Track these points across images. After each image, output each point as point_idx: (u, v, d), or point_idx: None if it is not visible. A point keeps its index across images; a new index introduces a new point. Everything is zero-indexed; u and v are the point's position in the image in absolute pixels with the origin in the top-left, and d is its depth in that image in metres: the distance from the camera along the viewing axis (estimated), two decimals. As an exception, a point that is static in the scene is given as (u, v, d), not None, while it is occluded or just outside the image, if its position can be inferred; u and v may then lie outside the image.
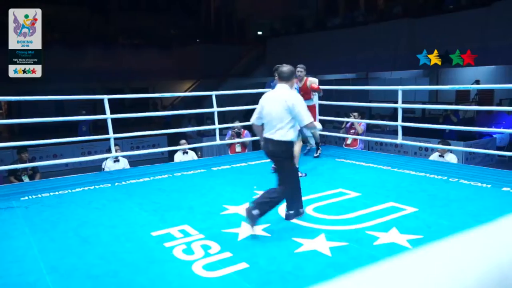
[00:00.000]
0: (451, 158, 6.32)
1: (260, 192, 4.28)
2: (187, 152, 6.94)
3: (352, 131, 7.39)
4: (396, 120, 5.99)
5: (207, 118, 12.92)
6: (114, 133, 5.51)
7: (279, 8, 19.71)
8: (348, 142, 7.41)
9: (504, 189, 4.21)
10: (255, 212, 3.14)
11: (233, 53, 19.36)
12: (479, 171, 5.16)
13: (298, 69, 5.62)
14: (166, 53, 18.85)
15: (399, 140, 5.99)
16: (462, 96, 13.54)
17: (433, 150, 6.81)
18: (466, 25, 11.90)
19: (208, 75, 18.33)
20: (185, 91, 19.33)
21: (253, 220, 3.14)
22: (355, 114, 7.32)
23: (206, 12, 23.08)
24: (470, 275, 0.33)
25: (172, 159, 7.08)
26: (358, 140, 7.39)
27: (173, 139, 9.11)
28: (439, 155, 6.35)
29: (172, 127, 7.13)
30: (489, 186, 4.34)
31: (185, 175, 5.30)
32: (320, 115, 6.80)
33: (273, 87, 6.69)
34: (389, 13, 15.44)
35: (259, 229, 3.30)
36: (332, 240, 3.06)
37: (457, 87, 11.03)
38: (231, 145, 7.35)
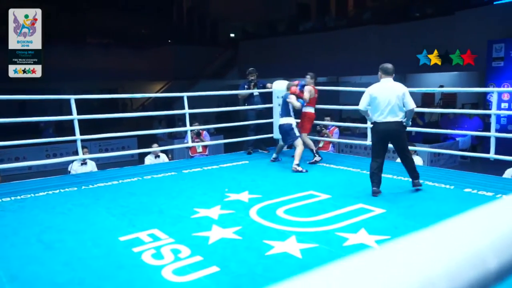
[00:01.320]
0: (417, 160, 6.50)
1: (232, 195, 4.31)
2: (158, 156, 6.81)
3: (325, 135, 7.48)
4: (366, 123, 6.11)
5: (179, 120, 12.79)
6: (81, 134, 5.36)
7: (252, 11, 19.78)
8: (320, 145, 7.49)
9: (466, 190, 4.37)
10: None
11: (205, 55, 19.26)
12: (443, 173, 5.35)
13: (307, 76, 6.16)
14: (137, 53, 18.54)
15: (368, 142, 6.10)
16: (427, 100, 13.98)
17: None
18: (431, 33, 12.31)
19: (180, 76, 18.15)
20: (156, 92, 19.08)
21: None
22: (328, 118, 7.42)
23: (178, 13, 22.87)
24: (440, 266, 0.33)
25: (142, 162, 6.94)
26: (330, 144, 7.50)
27: (143, 141, 8.95)
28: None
29: (142, 128, 7.00)
30: (452, 187, 4.49)
31: (155, 178, 5.22)
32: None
33: (241, 89, 6.77)
34: (359, 19, 15.78)
35: (230, 232, 3.29)
36: (302, 242, 3.08)
37: (423, 90, 11.38)
38: (191, 146, 7.32)
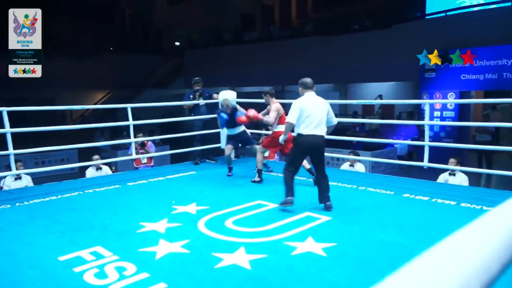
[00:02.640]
0: (360, 167, 6.78)
1: (180, 207, 4.22)
2: (100, 168, 6.51)
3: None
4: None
5: (123, 130, 12.36)
6: (14, 148, 5.00)
7: (197, 20, 19.70)
8: (266, 154, 7.56)
9: (405, 195, 4.62)
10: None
11: (149, 64, 18.87)
12: (383, 179, 5.61)
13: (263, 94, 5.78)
14: (76, 61, 17.73)
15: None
16: (368, 110, 14.67)
17: (343, 160, 7.26)
18: (370, 44, 12.96)
19: (123, 85, 17.61)
20: (98, 101, 18.36)
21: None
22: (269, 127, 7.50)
23: (120, 20, 22.25)
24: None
25: (83, 175, 6.60)
26: (275, 153, 7.59)
27: (84, 153, 8.53)
28: (349, 165, 6.78)
29: (83, 140, 6.67)
30: (392, 193, 4.72)
31: (97, 192, 4.99)
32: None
33: (186, 99, 6.68)
34: (302, 30, 16.28)
35: (178, 246, 3.22)
36: (251, 253, 3.08)
37: (363, 102, 11.92)
38: (136, 158, 7.14)
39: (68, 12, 19.32)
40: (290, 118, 4.16)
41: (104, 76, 17.69)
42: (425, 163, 5.31)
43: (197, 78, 6.82)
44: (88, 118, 17.12)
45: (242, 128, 5.91)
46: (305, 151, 4.21)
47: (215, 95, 6.83)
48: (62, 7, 19.17)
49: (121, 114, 7.59)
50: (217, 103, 6.81)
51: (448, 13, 11.41)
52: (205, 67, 16.25)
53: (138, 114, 8.83)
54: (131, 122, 5.98)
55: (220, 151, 7.09)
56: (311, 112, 4.08)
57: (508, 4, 10.56)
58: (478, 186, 6.70)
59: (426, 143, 5.43)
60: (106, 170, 6.57)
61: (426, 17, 12.04)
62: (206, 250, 3.15)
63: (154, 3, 22.13)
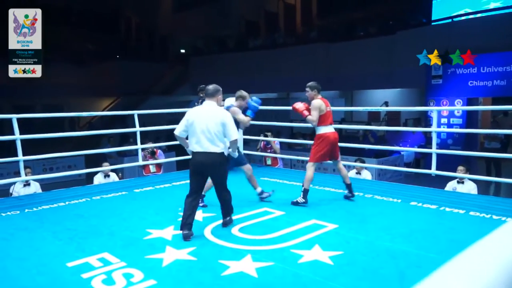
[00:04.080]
0: (366, 174, 6.76)
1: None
2: (108, 175, 6.52)
3: (269, 150, 7.55)
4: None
5: (129, 137, 12.42)
6: (24, 154, 5.05)
7: (202, 28, 19.85)
8: (269, 162, 7.57)
9: (412, 203, 4.59)
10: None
11: (155, 71, 19.00)
12: (390, 187, 5.59)
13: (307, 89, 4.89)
14: (83, 68, 17.90)
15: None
16: (373, 116, 14.64)
17: (350, 167, 7.24)
18: (375, 51, 12.98)
19: (129, 92, 17.73)
20: (104, 108, 18.49)
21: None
22: (269, 133, 7.50)
23: (126, 28, 22.45)
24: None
25: (90, 182, 6.64)
26: (278, 159, 7.59)
27: (91, 160, 8.59)
28: (356, 172, 6.76)
29: (90, 146, 6.73)
30: (399, 201, 4.70)
31: (104, 199, 5.01)
32: (244, 134, 6.89)
33: (192, 106, 6.65)
34: (307, 37, 16.33)
35: (184, 253, 3.22)
36: (258, 260, 3.08)
37: (369, 108, 11.90)
38: (145, 166, 7.17)
39: (74, 20, 19.55)
40: (176, 128, 3.83)
41: (110, 83, 17.84)
42: (433, 170, 5.28)
43: (203, 85, 6.83)
44: (95, 125, 17.23)
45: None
46: (195, 172, 3.71)
47: (222, 103, 6.85)
48: (69, 15, 19.42)
49: (129, 121, 7.64)
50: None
51: (454, 19, 11.41)
52: (210, 74, 16.34)
53: (144, 121, 8.89)
54: (138, 129, 6.02)
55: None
56: (198, 125, 3.61)
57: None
58: (487, 195, 6.66)
59: (434, 150, 5.41)
60: (113, 178, 6.61)
61: (432, 23, 12.03)
62: (212, 258, 3.15)
63: (159, 11, 22.33)
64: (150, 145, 6.88)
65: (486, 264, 0.36)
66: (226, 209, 3.91)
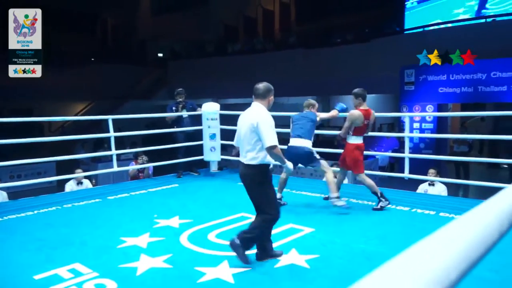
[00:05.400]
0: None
1: (162, 221, 4.16)
2: (81, 183, 6.35)
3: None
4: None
5: (105, 142, 12.18)
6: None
7: (180, 31, 19.73)
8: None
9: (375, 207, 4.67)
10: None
11: (132, 74, 18.71)
12: (365, 190, 5.64)
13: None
14: (55, 71, 17.42)
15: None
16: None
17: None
18: (351, 57, 13.19)
19: (105, 96, 17.40)
20: (78, 113, 18.09)
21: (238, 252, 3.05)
22: None
23: (102, 31, 22.10)
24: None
25: (62, 189, 6.44)
26: None
27: (63, 166, 8.35)
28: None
29: (62, 152, 6.54)
30: (373, 203, 4.77)
31: (76, 207, 4.88)
32: (222, 139, 6.87)
33: (169, 110, 6.60)
34: (285, 42, 16.46)
35: (160, 261, 3.17)
36: (235, 266, 3.06)
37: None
38: (132, 177, 7.05)
39: (49, 21, 19.08)
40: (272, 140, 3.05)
41: (85, 87, 17.44)
42: (406, 174, 5.40)
43: (180, 89, 6.79)
44: (68, 130, 16.81)
45: (304, 143, 4.69)
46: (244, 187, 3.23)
47: (199, 109, 6.82)
48: (43, 16, 18.94)
49: (104, 126, 7.47)
50: (201, 115, 6.80)
51: (426, 29, 11.74)
52: (188, 79, 16.25)
53: (121, 125, 8.72)
54: (112, 134, 5.90)
55: (203, 164, 7.06)
56: (239, 131, 3.24)
57: (483, 20, 10.93)
58: (457, 196, 6.84)
59: (406, 154, 5.53)
60: (86, 184, 6.45)
61: (405, 32, 12.34)
62: (189, 265, 3.11)
63: (138, 14, 22.09)
64: (125, 150, 6.76)
65: (425, 263, 0.36)
66: (249, 229, 3.12)
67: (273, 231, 3.80)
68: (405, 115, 6.63)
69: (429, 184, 5.79)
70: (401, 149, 10.43)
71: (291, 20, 18.18)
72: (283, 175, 4.76)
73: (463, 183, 7.62)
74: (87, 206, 4.90)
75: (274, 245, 3.48)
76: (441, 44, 10.72)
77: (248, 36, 18.56)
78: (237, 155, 7.46)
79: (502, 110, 9.57)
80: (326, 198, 4.85)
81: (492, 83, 10.11)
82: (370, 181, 4.58)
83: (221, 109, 6.94)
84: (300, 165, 4.70)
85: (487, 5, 10.89)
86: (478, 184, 5.47)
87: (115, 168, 6.07)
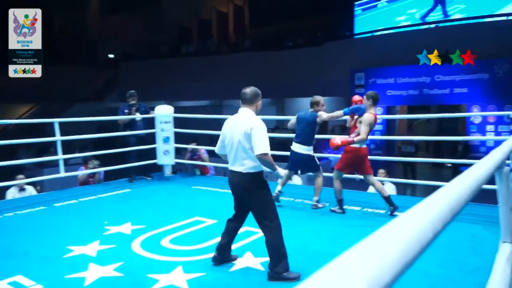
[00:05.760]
0: (297, 180, 6.93)
1: (113, 228, 4.01)
2: (24, 189, 5.98)
3: (200, 159, 7.45)
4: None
5: (51, 146, 11.57)
6: None
7: (132, 32, 19.25)
8: (198, 173, 7.45)
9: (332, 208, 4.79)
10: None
11: (81, 76, 17.99)
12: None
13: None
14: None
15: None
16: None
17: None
18: (304, 60, 13.47)
19: (50, 98, 16.59)
20: (22, 115, 17.12)
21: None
22: (194, 143, 7.36)
23: (48, 30, 21.07)
24: None
25: (2, 197, 6.04)
26: (208, 167, 7.51)
27: (3, 172, 7.83)
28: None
29: (3, 157, 6.14)
30: (327, 204, 4.87)
31: (19, 215, 4.59)
32: (175, 142, 6.75)
33: (120, 113, 6.37)
34: (239, 45, 16.53)
35: (110, 270, 3.04)
36: (189, 272, 3.00)
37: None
38: (81, 183, 6.74)
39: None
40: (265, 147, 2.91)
41: (28, 88, 16.52)
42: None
43: (132, 91, 6.60)
44: (10, 134, 15.85)
45: (306, 151, 4.74)
46: (233, 195, 3.19)
47: (152, 112, 6.66)
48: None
49: (51, 129, 7.11)
50: (154, 118, 6.64)
51: (374, 34, 12.22)
52: (141, 80, 15.85)
53: (68, 129, 8.32)
54: (58, 138, 5.63)
55: (156, 167, 6.89)
56: (227, 138, 3.05)
57: (428, 26, 11.55)
58: (405, 195, 7.15)
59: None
60: (30, 191, 6.09)
61: (355, 37, 12.78)
62: (141, 272, 3.01)
63: (87, 14, 21.29)
64: (79, 154, 6.45)
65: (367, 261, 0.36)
66: (271, 257, 2.94)
67: (228, 234, 3.80)
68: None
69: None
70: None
71: (245, 23, 18.29)
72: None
73: (410, 183, 7.99)
74: (30, 214, 4.63)
75: (229, 248, 3.46)
76: (388, 49, 11.24)
77: (202, 38, 18.45)
78: (191, 158, 7.42)
79: (445, 112, 10.19)
80: (315, 206, 4.78)
81: (435, 86, 10.71)
82: (380, 185, 4.56)
83: (175, 112, 6.82)
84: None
85: (448, 9, 11.34)
86: (423, 183, 5.74)
87: (62, 174, 5.78)
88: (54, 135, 5.67)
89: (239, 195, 3.08)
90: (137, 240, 3.70)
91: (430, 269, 2.98)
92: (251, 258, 3.25)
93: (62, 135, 5.70)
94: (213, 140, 12.65)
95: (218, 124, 12.40)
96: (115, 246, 3.56)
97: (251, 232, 3.88)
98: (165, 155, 6.67)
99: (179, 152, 7.31)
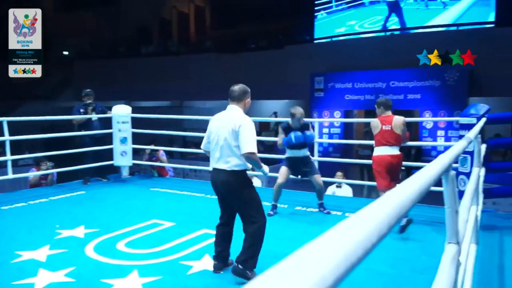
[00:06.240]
0: (257, 182, 6.97)
1: (65, 231, 3.85)
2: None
3: (159, 161, 7.32)
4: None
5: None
6: None
7: (88, 30, 18.61)
8: (156, 175, 7.33)
9: (297, 208, 4.87)
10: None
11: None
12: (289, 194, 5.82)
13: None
14: None
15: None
16: (264, 126, 15.25)
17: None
18: (266, 63, 13.59)
19: (0, 97, 15.73)
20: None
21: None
22: (152, 145, 7.26)
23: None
24: None
25: None
26: (167, 169, 7.40)
27: None
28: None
29: None
30: (286, 206, 4.93)
31: (-38, 219, 4.32)
32: (133, 143, 6.59)
33: (75, 112, 6.13)
34: (200, 46, 16.42)
35: (61, 275, 2.92)
36: (145, 275, 2.94)
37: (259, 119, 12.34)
38: (32, 185, 6.42)
39: None
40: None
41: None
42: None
43: (88, 90, 6.37)
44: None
45: (307, 151, 4.71)
46: (216, 194, 3.12)
47: (109, 112, 6.46)
48: None
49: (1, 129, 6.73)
50: (111, 117, 6.45)
51: (333, 39, 12.53)
52: (97, 80, 15.35)
53: (18, 129, 7.90)
54: (7, 137, 5.34)
55: (113, 169, 6.70)
56: (214, 135, 3.00)
57: (382, 34, 11.99)
58: (361, 197, 7.37)
59: (316, 158, 5.80)
60: (-26, 193, 5.73)
61: (315, 41, 13.05)
62: (94, 277, 2.91)
63: (43, 10, 20.36)
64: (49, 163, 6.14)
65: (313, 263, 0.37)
66: (244, 250, 2.94)
67: (186, 237, 3.76)
68: (314, 121, 6.99)
69: (337, 186, 6.15)
70: (312, 153, 10.99)
71: (206, 24, 18.19)
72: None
73: (367, 184, 8.24)
74: (-26, 219, 4.36)
75: (186, 251, 3.42)
76: (347, 55, 11.56)
77: (162, 38, 18.16)
78: (149, 160, 7.26)
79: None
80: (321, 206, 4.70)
81: (391, 92, 11.13)
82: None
83: (133, 112, 6.66)
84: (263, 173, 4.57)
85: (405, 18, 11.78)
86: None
87: (10, 175, 5.48)
88: (2, 135, 5.38)
89: (223, 194, 3.01)
90: (91, 244, 3.57)
91: (383, 269, 3.09)
92: (209, 261, 3.22)
93: (11, 135, 5.42)
94: (172, 141, 12.48)
95: (177, 125, 12.30)
96: (66, 250, 3.42)
97: (210, 234, 3.85)
98: (122, 156, 6.50)
99: (137, 153, 7.15)
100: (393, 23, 11.87)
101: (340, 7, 12.61)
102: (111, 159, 6.49)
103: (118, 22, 18.66)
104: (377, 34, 12.08)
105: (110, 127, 6.44)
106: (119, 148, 6.47)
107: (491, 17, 10.77)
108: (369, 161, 7.00)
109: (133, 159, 6.71)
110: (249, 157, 2.87)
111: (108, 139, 6.45)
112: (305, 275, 0.36)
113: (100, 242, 3.63)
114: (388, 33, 11.96)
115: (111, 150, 6.47)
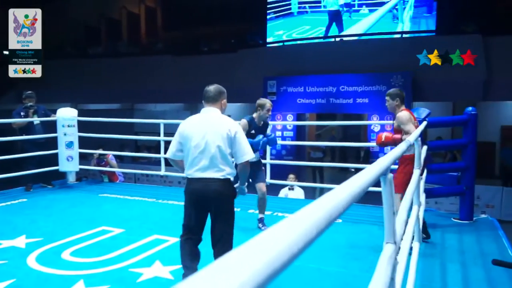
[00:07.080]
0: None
1: (4, 242, 3.62)
2: None
3: (108, 165, 7.11)
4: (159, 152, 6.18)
5: None
6: None
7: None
8: (106, 180, 7.11)
9: (250, 211, 4.88)
10: None
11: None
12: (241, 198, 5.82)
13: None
14: None
15: (163, 171, 6.21)
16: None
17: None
18: (218, 66, 13.55)
19: None
20: None
21: None
22: (100, 149, 7.03)
23: None
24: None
25: None
26: (117, 174, 7.20)
27: None
28: None
29: None
30: (238, 209, 4.93)
31: None
32: (80, 147, 6.33)
33: (16, 115, 5.78)
34: (152, 48, 16.09)
35: (-1, 289, 2.75)
36: (91, 285, 2.83)
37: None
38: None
39: None
40: (169, 148, 2.84)
41: None
42: (268, 179, 5.71)
43: (30, 92, 6.04)
44: None
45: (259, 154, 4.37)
46: (193, 205, 2.74)
47: (53, 115, 6.17)
48: None
49: None
50: (55, 121, 6.16)
51: (285, 43, 12.76)
52: (41, 81, 14.57)
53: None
54: None
55: (58, 175, 6.39)
56: (195, 140, 2.67)
57: (332, 39, 12.36)
58: (313, 199, 7.53)
59: (268, 161, 5.87)
60: None
61: (267, 45, 13.22)
62: (36, 289, 2.77)
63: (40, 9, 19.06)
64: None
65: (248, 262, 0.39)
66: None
67: (136, 244, 3.66)
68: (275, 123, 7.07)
69: (289, 189, 6.25)
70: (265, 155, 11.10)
71: (158, 25, 17.84)
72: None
73: (319, 187, 8.45)
74: None
75: (136, 259, 3.34)
76: (298, 59, 11.80)
77: (111, 39, 17.61)
78: (98, 164, 7.00)
79: (349, 120, 10.97)
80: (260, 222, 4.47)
81: (341, 96, 11.49)
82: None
83: (80, 115, 6.40)
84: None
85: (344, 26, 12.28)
86: (330, 187, 6.10)
87: None
88: None
89: (209, 205, 2.69)
90: (33, 254, 3.39)
91: (333, 269, 3.18)
92: (160, 267, 3.16)
93: None
94: (122, 145, 12.10)
95: (128, 129, 11.95)
96: (6, 262, 3.22)
97: (161, 240, 3.79)
98: (68, 162, 6.22)
99: (85, 158, 6.87)
100: (332, 32, 12.32)
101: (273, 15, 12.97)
102: (57, 164, 6.19)
103: (64, 22, 17.84)
104: (330, 39, 12.41)
105: (55, 131, 6.15)
106: (64, 153, 6.19)
107: (431, 26, 11.42)
108: (320, 164, 7.12)
109: (80, 164, 6.45)
110: (245, 166, 2.76)
111: (52, 143, 6.15)
112: (238, 273, 0.37)
113: (43, 252, 3.45)
114: (338, 39, 12.34)
115: (56, 155, 6.17)
